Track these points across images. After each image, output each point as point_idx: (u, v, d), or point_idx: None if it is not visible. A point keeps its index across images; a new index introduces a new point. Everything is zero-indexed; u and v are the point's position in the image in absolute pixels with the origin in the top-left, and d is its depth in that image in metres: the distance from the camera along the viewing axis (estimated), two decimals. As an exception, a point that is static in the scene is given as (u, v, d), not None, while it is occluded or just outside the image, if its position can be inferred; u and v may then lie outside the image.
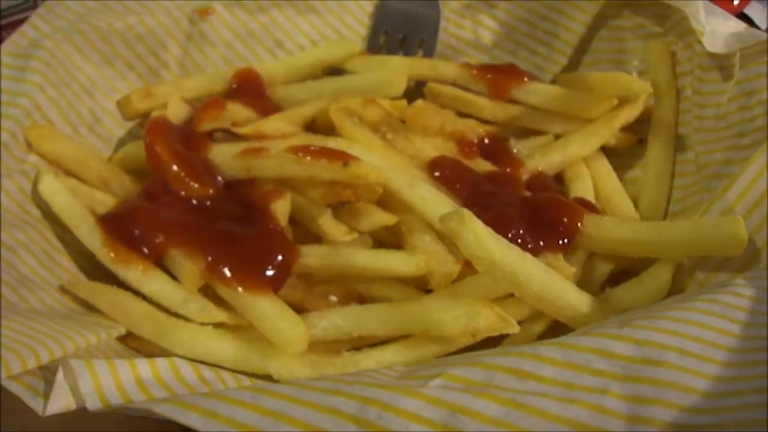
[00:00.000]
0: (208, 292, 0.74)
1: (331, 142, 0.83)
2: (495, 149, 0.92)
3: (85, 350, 0.66)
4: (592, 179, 0.91)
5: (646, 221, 0.84)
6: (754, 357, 0.55)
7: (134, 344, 0.74)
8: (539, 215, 0.78)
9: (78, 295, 0.77)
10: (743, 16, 1.15)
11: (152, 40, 0.99)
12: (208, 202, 0.81)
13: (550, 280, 0.69)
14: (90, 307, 0.76)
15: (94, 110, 0.95)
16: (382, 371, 0.59)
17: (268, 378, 0.68)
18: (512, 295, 0.71)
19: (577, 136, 0.92)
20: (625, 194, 0.89)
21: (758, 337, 0.56)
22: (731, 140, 0.81)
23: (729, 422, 0.51)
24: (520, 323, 0.68)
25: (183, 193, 0.82)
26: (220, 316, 0.72)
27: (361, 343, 0.72)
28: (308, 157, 0.77)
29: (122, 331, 0.73)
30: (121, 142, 0.96)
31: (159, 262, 0.77)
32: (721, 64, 0.86)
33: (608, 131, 0.92)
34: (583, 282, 0.77)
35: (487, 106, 0.96)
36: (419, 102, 0.95)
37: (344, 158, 0.76)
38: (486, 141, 0.93)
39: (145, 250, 0.76)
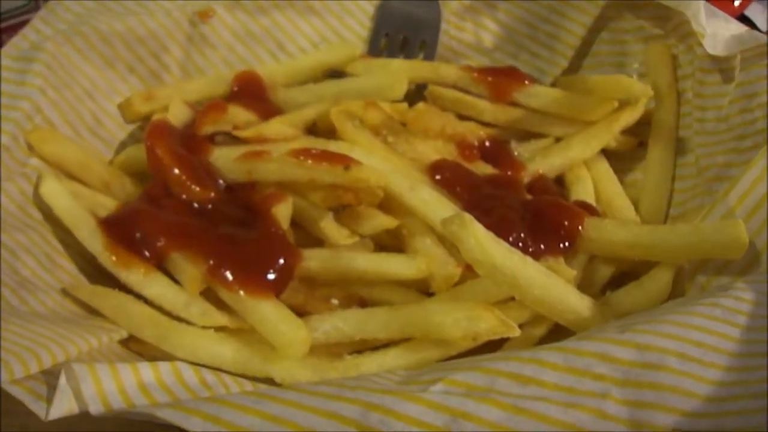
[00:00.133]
0: (209, 295, 0.74)
1: (332, 146, 0.83)
2: (496, 152, 0.93)
3: (87, 354, 0.66)
4: (593, 182, 0.91)
5: (646, 224, 0.84)
6: (755, 362, 0.55)
7: (136, 347, 0.74)
8: (540, 218, 0.78)
9: (79, 298, 0.77)
10: (744, 18, 1.15)
11: (153, 42, 0.99)
12: (210, 206, 0.81)
13: (551, 284, 0.69)
14: (91, 311, 0.76)
15: (96, 113, 0.95)
16: (384, 375, 0.59)
17: (269, 381, 0.69)
18: (513, 298, 0.71)
19: (578, 138, 0.92)
20: (625, 197, 0.90)
21: (759, 341, 0.56)
22: (732, 143, 0.81)
23: (730, 427, 0.51)
24: (520, 327, 0.68)
25: (184, 196, 0.81)
26: (222, 319, 0.72)
27: (363, 347, 0.73)
28: (310, 161, 0.77)
29: (124, 334, 0.73)
30: (123, 145, 0.97)
31: (160, 265, 0.77)
32: (722, 66, 0.86)
33: (609, 134, 0.92)
34: (583, 285, 0.77)
35: (487, 109, 0.96)
36: (420, 105, 0.95)
37: (346, 162, 0.76)
38: (487, 144, 0.94)
39: (147, 254, 0.76)
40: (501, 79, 0.96)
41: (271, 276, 0.73)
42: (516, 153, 0.94)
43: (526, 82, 0.96)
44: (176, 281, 0.75)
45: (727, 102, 0.84)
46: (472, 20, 1.10)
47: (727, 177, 0.79)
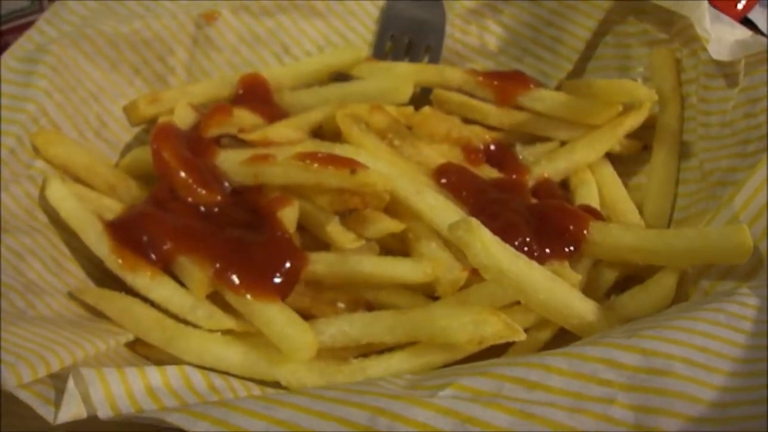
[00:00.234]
0: (216, 298, 0.74)
1: (338, 149, 0.83)
2: (501, 156, 0.93)
3: (94, 357, 0.67)
4: (597, 186, 0.91)
5: (651, 229, 0.85)
6: (758, 367, 0.55)
7: (143, 351, 0.74)
8: (545, 223, 0.79)
9: (86, 302, 0.77)
10: (747, 21, 1.16)
11: (159, 44, 0.99)
12: (216, 209, 0.81)
13: (556, 288, 0.69)
14: (98, 314, 0.76)
15: (101, 115, 0.95)
16: (391, 380, 0.59)
17: (276, 385, 0.69)
18: (518, 302, 0.71)
19: (583, 142, 0.92)
20: (630, 201, 0.90)
21: (762, 347, 0.57)
22: (736, 147, 0.82)
23: (734, 432, 0.51)
24: (526, 331, 0.69)
25: (190, 199, 0.82)
26: (229, 322, 0.73)
27: (369, 350, 0.73)
28: (316, 164, 0.77)
29: (130, 337, 0.73)
30: (128, 148, 0.97)
31: (167, 268, 0.77)
32: (727, 71, 0.86)
33: (613, 138, 0.92)
34: (588, 289, 0.77)
35: (493, 113, 0.96)
36: (426, 108, 0.95)
37: (352, 166, 0.76)
38: (492, 147, 0.94)
39: (153, 257, 0.76)
40: (506, 83, 0.96)
41: (277, 279, 0.73)
42: (521, 157, 0.94)
43: (531, 85, 0.96)
44: (183, 284, 0.75)
45: (731, 107, 0.84)
46: (477, 23, 1.10)
47: (731, 182, 0.79)
